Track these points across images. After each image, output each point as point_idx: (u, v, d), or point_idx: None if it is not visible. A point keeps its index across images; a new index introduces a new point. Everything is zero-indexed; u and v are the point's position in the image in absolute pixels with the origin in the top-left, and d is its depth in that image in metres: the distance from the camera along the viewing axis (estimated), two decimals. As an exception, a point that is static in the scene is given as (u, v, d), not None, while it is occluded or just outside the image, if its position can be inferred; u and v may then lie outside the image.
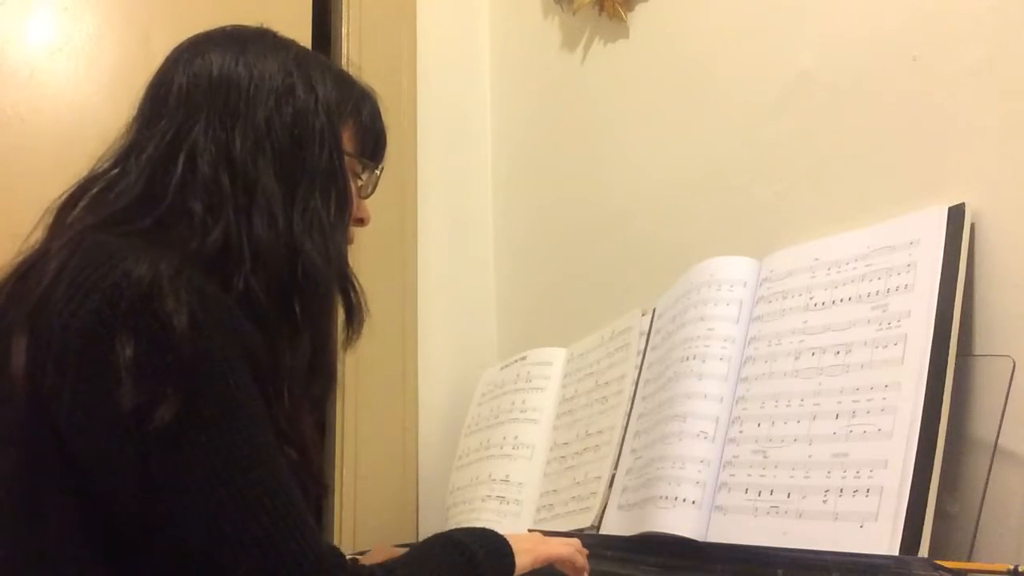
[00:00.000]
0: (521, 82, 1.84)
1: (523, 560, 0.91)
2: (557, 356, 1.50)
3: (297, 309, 0.84)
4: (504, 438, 1.47)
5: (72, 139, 1.54)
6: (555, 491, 1.34)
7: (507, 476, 1.42)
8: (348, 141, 0.94)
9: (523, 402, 1.39)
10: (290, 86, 0.89)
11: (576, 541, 1.00)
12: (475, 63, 1.92)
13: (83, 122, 1.56)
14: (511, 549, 0.91)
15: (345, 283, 0.92)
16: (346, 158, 0.92)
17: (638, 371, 1.29)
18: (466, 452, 1.55)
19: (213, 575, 0.71)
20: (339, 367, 0.97)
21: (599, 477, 1.25)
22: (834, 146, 1.16)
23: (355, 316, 0.94)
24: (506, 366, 1.59)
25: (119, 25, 1.60)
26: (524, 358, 1.56)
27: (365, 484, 1.63)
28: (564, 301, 1.67)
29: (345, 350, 0.95)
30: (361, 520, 1.59)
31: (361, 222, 0.98)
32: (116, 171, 0.86)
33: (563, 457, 1.36)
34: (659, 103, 1.47)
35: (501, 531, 0.93)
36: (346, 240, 0.94)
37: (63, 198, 0.86)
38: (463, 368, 1.83)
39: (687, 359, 1.13)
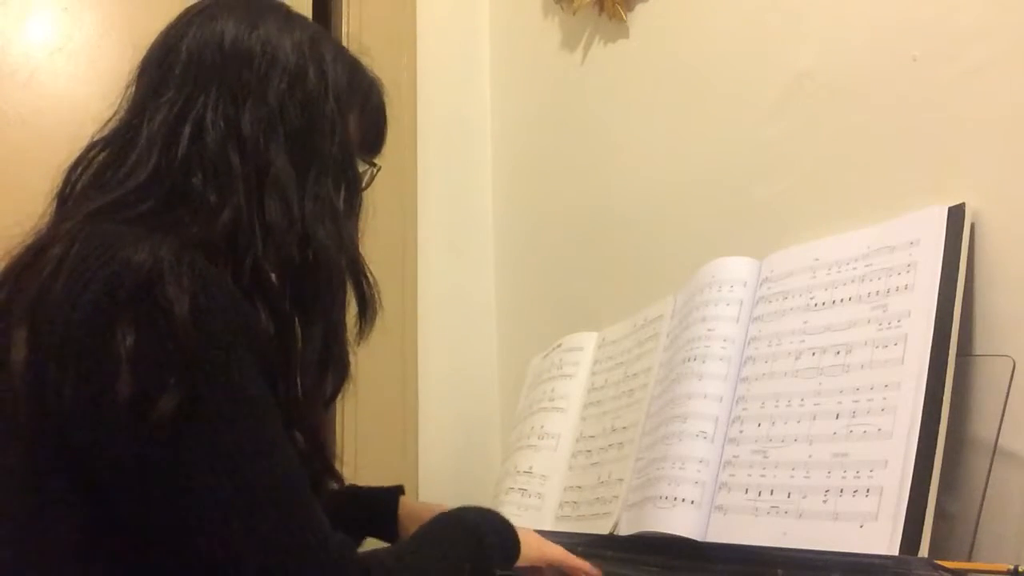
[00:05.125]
0: (521, 82, 1.84)
1: (527, 552, 0.90)
2: (588, 341, 1.45)
3: (309, 298, 0.81)
4: (532, 428, 1.42)
5: (72, 139, 1.53)
6: (579, 487, 1.29)
7: (531, 468, 1.36)
8: (352, 132, 0.90)
9: (552, 390, 1.33)
10: (302, 68, 0.85)
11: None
12: (475, 63, 1.92)
13: (83, 122, 1.54)
14: (517, 537, 0.89)
15: (358, 274, 0.88)
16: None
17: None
18: (507, 446, 1.52)
19: (222, 573, 0.69)
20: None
21: (621, 480, 1.20)
22: (834, 146, 1.16)
23: (368, 308, 0.90)
24: (546, 355, 1.54)
25: (119, 25, 1.59)
26: (560, 345, 1.50)
27: (365, 484, 1.63)
28: (564, 301, 1.67)
29: (358, 344, 0.92)
30: (361, 520, 1.59)
31: None
32: (119, 145, 0.83)
33: (589, 451, 1.31)
34: (659, 103, 1.47)
35: (520, 524, 0.91)
36: (357, 230, 0.90)
37: (62, 177, 0.84)
38: (463, 368, 1.83)
39: (688, 360, 1.13)
